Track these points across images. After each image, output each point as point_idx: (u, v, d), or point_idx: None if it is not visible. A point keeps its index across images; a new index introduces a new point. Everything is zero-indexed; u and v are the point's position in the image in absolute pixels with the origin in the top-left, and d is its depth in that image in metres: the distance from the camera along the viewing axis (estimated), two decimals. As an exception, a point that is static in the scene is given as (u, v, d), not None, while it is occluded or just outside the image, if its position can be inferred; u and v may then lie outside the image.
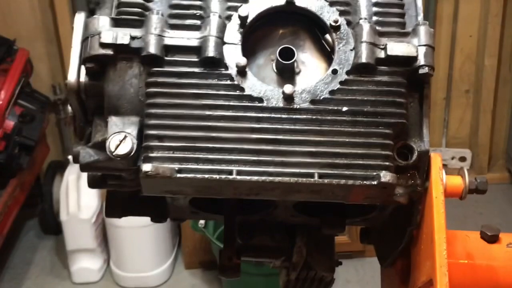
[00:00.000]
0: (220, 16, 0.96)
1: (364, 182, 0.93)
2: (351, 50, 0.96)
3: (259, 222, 1.22)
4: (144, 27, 0.95)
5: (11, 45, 3.71)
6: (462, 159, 4.56)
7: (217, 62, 0.94)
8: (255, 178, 0.92)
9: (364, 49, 0.95)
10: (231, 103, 0.94)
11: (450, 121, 4.57)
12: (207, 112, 0.93)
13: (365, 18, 0.98)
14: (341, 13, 0.98)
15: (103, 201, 1.29)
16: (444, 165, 1.00)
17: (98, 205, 3.54)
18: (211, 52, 0.93)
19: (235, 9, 0.97)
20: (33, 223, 4.12)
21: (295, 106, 0.94)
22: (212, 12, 0.96)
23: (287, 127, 0.93)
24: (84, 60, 0.94)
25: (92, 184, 1.04)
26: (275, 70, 0.99)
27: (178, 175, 0.91)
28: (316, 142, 0.93)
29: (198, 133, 0.93)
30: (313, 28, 1.01)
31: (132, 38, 0.94)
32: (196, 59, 0.94)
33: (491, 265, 1.06)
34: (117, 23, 0.96)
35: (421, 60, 0.95)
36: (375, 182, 0.92)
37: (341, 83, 0.95)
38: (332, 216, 1.12)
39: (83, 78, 0.96)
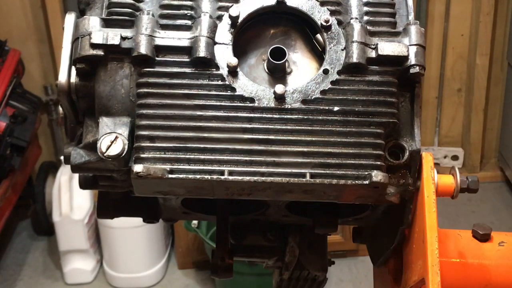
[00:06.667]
0: (211, 16, 0.96)
1: (356, 181, 0.93)
2: (342, 50, 0.96)
3: (251, 222, 1.22)
4: (134, 28, 0.94)
5: (2, 45, 3.70)
6: (455, 157, 4.57)
7: (208, 62, 0.94)
8: (247, 178, 0.92)
9: (355, 49, 0.95)
10: (223, 103, 0.93)
11: (442, 120, 4.59)
12: (199, 113, 0.93)
13: (356, 18, 0.98)
14: (332, 13, 0.98)
15: (96, 202, 1.28)
16: (436, 164, 1.01)
17: (90, 206, 3.54)
18: (202, 52, 0.93)
19: (226, 9, 0.97)
20: (26, 224, 4.11)
21: (286, 106, 0.94)
22: (203, 12, 0.96)
23: (279, 127, 0.93)
24: (74, 60, 0.94)
25: (83, 185, 1.04)
26: (267, 70, 0.99)
27: (170, 175, 0.91)
28: (308, 142, 0.93)
29: (189, 133, 0.93)
30: (304, 28, 1.01)
31: (123, 38, 0.94)
32: (187, 60, 0.94)
33: (483, 264, 1.06)
34: (107, 23, 0.95)
35: (412, 60, 0.95)
36: (366, 182, 0.92)
37: (332, 83, 0.95)
38: (325, 215, 1.12)
39: (73, 78, 0.95)
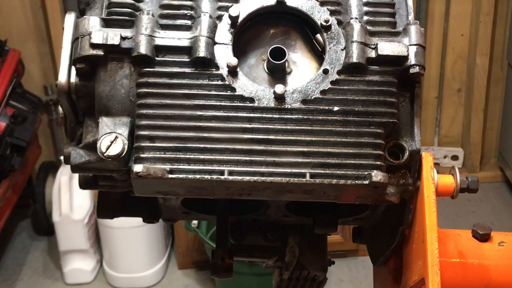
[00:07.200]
0: (211, 16, 0.96)
1: (356, 181, 0.93)
2: (342, 49, 0.96)
3: (251, 222, 1.22)
4: (134, 28, 0.94)
5: (2, 45, 3.70)
6: (455, 157, 4.57)
7: (208, 62, 0.94)
8: (246, 178, 0.91)
9: (355, 49, 0.95)
10: (222, 103, 0.93)
11: (442, 120, 4.59)
12: (198, 113, 0.93)
13: (356, 18, 0.98)
14: (332, 13, 0.98)
15: (96, 202, 1.28)
16: (436, 164, 1.01)
17: (90, 205, 3.54)
18: (202, 52, 0.93)
19: (226, 9, 0.97)
20: (26, 224, 4.11)
21: (286, 106, 0.94)
22: (202, 12, 0.96)
23: (279, 127, 0.93)
24: (74, 60, 0.94)
25: (83, 185, 1.04)
26: (266, 70, 0.99)
27: (170, 175, 0.91)
28: (308, 142, 0.93)
29: (189, 133, 0.93)
30: (304, 28, 1.01)
31: (123, 38, 0.94)
32: (187, 60, 0.94)
33: (482, 264, 1.06)
34: (107, 23, 0.95)
35: (412, 60, 0.95)
36: (366, 182, 0.92)
37: (332, 83, 0.95)
38: (325, 215, 1.12)
39: (73, 78, 0.95)
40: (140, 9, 0.97)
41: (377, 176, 0.92)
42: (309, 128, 0.94)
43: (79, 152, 0.96)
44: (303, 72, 0.99)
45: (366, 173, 0.93)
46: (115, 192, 1.05)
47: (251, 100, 0.93)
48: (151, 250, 3.62)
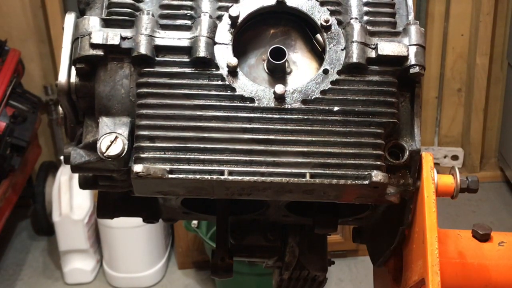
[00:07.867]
0: (211, 16, 0.96)
1: (356, 181, 0.93)
2: (342, 49, 0.96)
3: (251, 222, 1.22)
4: (134, 28, 0.94)
5: (2, 45, 3.70)
6: (455, 157, 4.57)
7: (208, 62, 0.94)
8: (246, 178, 0.92)
9: (355, 49, 0.95)
10: (223, 103, 0.93)
11: (442, 120, 4.59)
12: (198, 113, 0.93)
13: (356, 18, 0.98)
14: (332, 13, 0.98)
15: (96, 202, 1.28)
16: (436, 164, 1.01)
17: (90, 205, 3.54)
18: (202, 52, 0.93)
19: (226, 9, 0.97)
20: (26, 224, 4.11)
21: (286, 106, 0.94)
22: (202, 12, 0.96)
23: (279, 127, 0.93)
24: (74, 60, 0.94)
25: (83, 185, 1.04)
26: (266, 70, 0.99)
27: (170, 175, 0.91)
28: (308, 142, 0.93)
29: (189, 133, 0.93)
30: (304, 28, 1.01)
31: (123, 38, 0.94)
32: (187, 60, 0.94)
33: (482, 264, 1.06)
34: (107, 23, 0.95)
35: (412, 60, 0.95)
36: (366, 182, 0.92)
37: (332, 83, 0.95)
38: (325, 215, 1.12)
39: (73, 78, 0.95)
40: (140, 9, 0.97)
41: (377, 176, 0.92)
42: (309, 128, 0.94)
43: (79, 152, 0.96)
44: (303, 72, 0.99)
45: (366, 173, 0.93)
46: (115, 192, 1.05)
47: (251, 100, 0.93)
48: (151, 250, 3.62)
